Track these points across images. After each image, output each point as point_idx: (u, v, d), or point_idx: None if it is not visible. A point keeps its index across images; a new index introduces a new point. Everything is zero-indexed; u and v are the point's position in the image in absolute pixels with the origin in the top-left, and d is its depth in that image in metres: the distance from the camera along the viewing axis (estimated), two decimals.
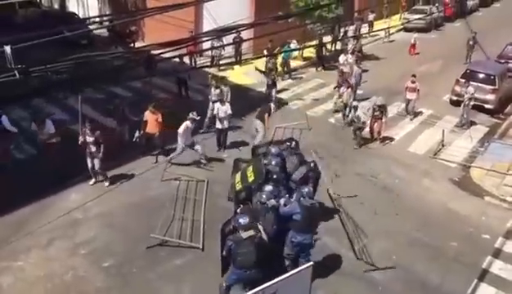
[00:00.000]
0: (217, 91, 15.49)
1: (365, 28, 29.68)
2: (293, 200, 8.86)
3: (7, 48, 4.15)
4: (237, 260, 7.67)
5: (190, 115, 13.08)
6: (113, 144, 12.72)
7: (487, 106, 18.61)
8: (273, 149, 10.36)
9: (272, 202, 8.70)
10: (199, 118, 13.46)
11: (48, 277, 9.20)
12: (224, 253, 7.89)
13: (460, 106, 17.90)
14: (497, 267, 10.28)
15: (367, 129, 15.67)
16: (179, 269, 9.49)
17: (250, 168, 9.97)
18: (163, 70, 16.50)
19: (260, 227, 8.05)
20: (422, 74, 22.96)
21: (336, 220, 11.30)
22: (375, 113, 15.45)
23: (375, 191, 12.92)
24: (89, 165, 12.13)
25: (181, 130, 12.81)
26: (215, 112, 14.27)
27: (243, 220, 7.77)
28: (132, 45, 23.88)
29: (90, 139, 11.87)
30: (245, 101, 17.23)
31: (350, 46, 23.06)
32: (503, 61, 21.96)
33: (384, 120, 15.49)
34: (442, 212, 12.14)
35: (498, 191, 13.22)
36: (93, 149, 11.90)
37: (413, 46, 27.21)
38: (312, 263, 5.55)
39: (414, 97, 17.44)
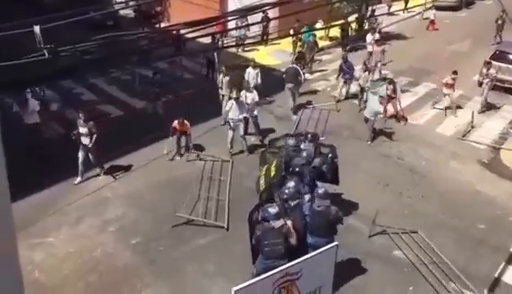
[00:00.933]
0: (227, 78, 15.05)
1: (395, 7, 28.98)
2: (306, 201, 8.68)
3: (37, 28, 4.21)
4: (265, 250, 7.54)
5: (234, 94, 13.50)
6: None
7: None
8: (290, 141, 10.16)
9: (295, 202, 8.40)
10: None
11: (78, 253, 9.48)
12: (253, 242, 7.78)
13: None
14: None
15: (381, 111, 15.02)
16: (203, 249, 9.63)
17: (274, 162, 9.78)
18: (191, 50, 16.59)
19: (289, 221, 7.81)
20: (451, 54, 22.51)
21: (360, 202, 11.24)
22: (387, 92, 14.79)
23: (401, 173, 12.78)
24: (79, 159, 11.41)
25: (227, 107, 13.10)
26: (242, 99, 13.39)
27: (272, 210, 7.61)
28: (157, 26, 23.95)
29: (83, 130, 11.25)
30: (271, 82, 17.11)
31: (378, 25, 22.62)
32: None
33: (396, 97, 15.11)
34: (470, 195, 11.95)
35: None
36: (86, 141, 11.27)
37: (432, 22, 26.77)
38: (336, 243, 5.55)
39: (451, 92, 16.20)
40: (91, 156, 11.53)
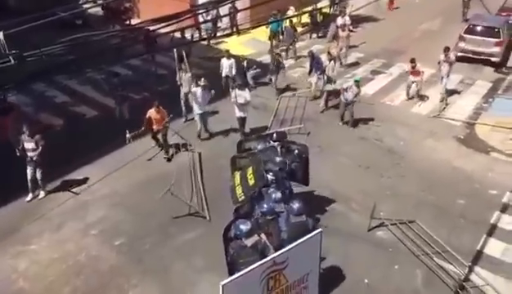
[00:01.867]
0: (188, 75, 14.57)
1: None
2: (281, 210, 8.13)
3: (0, 34, 4.09)
4: (241, 269, 6.70)
5: (202, 82, 13.17)
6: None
7: (493, 59, 18.65)
8: (258, 145, 9.67)
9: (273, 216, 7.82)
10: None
11: (62, 258, 9.35)
12: (229, 259, 7.25)
13: (465, 62, 18.23)
14: (505, 221, 10.36)
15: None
16: (190, 244, 9.60)
17: (250, 169, 8.92)
18: (162, 46, 16.39)
19: (263, 235, 7.28)
20: (422, 33, 22.74)
21: (342, 185, 11.35)
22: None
23: (381, 154, 12.93)
24: (28, 176, 10.85)
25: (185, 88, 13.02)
26: (232, 100, 13.00)
27: (244, 227, 7.07)
28: (127, 22, 23.59)
29: (29, 145, 10.66)
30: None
31: (348, 9, 22.60)
32: (504, 14, 21.61)
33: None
34: (448, 171, 12.16)
35: (504, 146, 13.19)
36: (33, 155, 10.71)
37: (391, 1, 27.12)
38: (320, 229, 5.59)
39: (418, 79, 15.89)
40: (38, 172, 10.90)
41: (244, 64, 16.77)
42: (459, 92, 16.68)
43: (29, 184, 10.98)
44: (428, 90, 16.69)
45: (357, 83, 14.17)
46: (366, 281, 8.80)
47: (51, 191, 11.31)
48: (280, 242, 7.14)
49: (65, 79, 17.27)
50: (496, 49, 18.54)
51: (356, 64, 19.24)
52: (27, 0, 25.05)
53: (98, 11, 24.29)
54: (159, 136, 12.70)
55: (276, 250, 6.83)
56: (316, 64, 15.95)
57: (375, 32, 22.85)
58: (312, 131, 13.89)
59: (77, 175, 11.92)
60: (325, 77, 15.48)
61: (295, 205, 7.79)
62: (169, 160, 12.58)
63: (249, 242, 6.90)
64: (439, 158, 12.74)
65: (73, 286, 8.73)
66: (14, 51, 4.20)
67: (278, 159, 9.15)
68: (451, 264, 8.97)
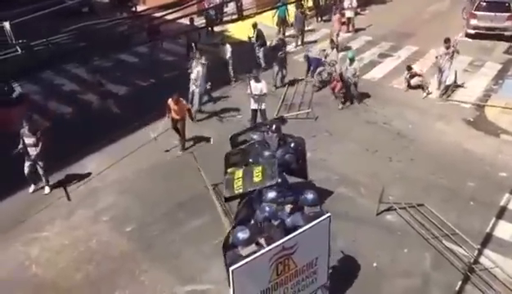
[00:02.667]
0: (228, 47, 15.27)
1: None
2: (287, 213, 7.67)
3: (6, 24, 4.08)
4: None
5: (203, 60, 13.39)
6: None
7: (506, 33, 18.81)
8: (254, 135, 9.31)
9: (278, 221, 7.30)
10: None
11: (73, 244, 9.46)
12: (226, 268, 6.75)
13: (478, 38, 18.38)
14: None
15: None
16: (198, 230, 9.63)
17: (260, 167, 8.40)
18: (169, 33, 16.35)
19: (262, 239, 6.80)
20: (431, 15, 22.46)
21: (351, 170, 11.33)
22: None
23: (389, 137, 12.86)
24: (26, 170, 10.70)
25: (194, 75, 12.89)
26: (248, 91, 12.81)
27: (242, 235, 6.65)
28: (133, 9, 23.53)
29: (29, 140, 10.46)
30: (251, 56, 16.96)
31: None
32: None
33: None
34: (458, 154, 12.08)
35: None
36: (34, 152, 10.52)
37: None
38: (329, 214, 5.59)
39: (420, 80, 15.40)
40: (39, 166, 10.76)
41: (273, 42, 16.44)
42: (468, 74, 16.48)
43: (28, 178, 10.85)
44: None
45: (351, 60, 14.05)
46: (375, 264, 8.81)
47: (61, 178, 11.40)
48: None
49: (73, 67, 17.32)
50: (509, 23, 18.73)
51: (364, 48, 19.07)
52: None
53: None
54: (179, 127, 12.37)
55: None
56: (315, 64, 15.70)
57: (383, 14, 22.62)
58: (320, 115, 13.85)
59: (86, 162, 12.03)
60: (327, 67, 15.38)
61: (309, 196, 7.45)
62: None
63: (245, 251, 6.39)
64: (449, 140, 12.65)
65: (85, 271, 8.84)
66: (21, 41, 4.21)
67: (267, 153, 8.71)
68: (461, 246, 8.94)
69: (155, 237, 9.53)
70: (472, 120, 13.69)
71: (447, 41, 14.65)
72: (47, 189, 11.01)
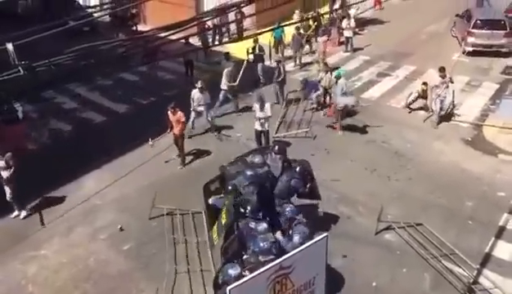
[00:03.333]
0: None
1: None
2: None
3: (9, 46, 4.15)
4: None
5: (199, 84, 13.60)
6: None
7: (503, 50, 19.53)
8: (256, 158, 8.95)
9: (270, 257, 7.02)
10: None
11: (71, 263, 9.43)
12: None
13: (477, 56, 18.96)
14: None
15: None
16: (196, 250, 9.54)
17: (224, 209, 8.23)
18: (168, 53, 16.55)
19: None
20: (429, 35, 22.70)
21: (350, 188, 11.35)
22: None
23: (388, 156, 12.91)
24: (7, 194, 10.51)
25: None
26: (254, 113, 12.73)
27: (233, 272, 6.67)
28: (134, 28, 23.77)
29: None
30: (251, 76, 17.06)
31: (353, 11, 22.58)
32: (510, 15, 21.58)
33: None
34: (456, 173, 12.11)
35: (511, 148, 13.12)
36: (5, 174, 10.28)
37: (378, 1, 26.93)
38: (326, 234, 5.61)
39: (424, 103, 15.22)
40: (8, 191, 10.43)
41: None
42: (466, 93, 16.60)
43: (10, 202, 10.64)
44: None
45: (337, 77, 14.12)
46: (374, 284, 8.79)
47: (61, 195, 11.39)
48: None
49: (74, 86, 17.46)
50: (505, 40, 19.47)
51: (362, 67, 19.23)
52: (35, 7, 25.54)
53: (106, 17, 24.51)
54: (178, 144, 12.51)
55: None
56: (311, 87, 15.64)
57: (381, 34, 22.85)
58: (319, 134, 13.93)
59: (86, 179, 12.04)
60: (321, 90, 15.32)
61: (287, 208, 7.72)
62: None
63: None
64: (447, 160, 12.70)
65: (82, 290, 8.80)
66: (23, 62, 4.27)
67: (249, 173, 8.39)
68: (460, 266, 8.93)
69: (153, 256, 9.49)
70: (470, 140, 13.76)
71: (442, 70, 14.29)
72: (22, 214, 10.73)
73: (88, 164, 12.38)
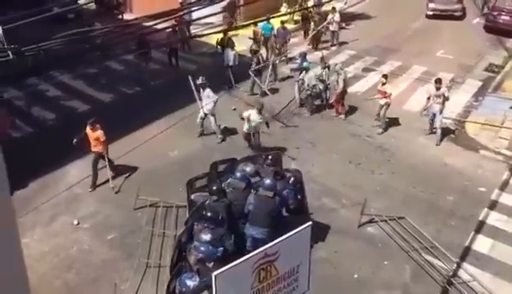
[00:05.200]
0: (234, 51, 15.51)
1: None
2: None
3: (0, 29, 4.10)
4: None
5: (200, 80, 12.92)
6: None
7: (456, 14, 24.01)
8: (248, 168, 8.91)
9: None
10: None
11: (53, 252, 9.38)
12: None
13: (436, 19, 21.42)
14: (493, 218, 10.51)
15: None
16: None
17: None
18: (156, 42, 16.43)
19: None
20: (415, 31, 22.89)
21: (333, 181, 11.46)
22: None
23: (372, 150, 13.04)
24: None
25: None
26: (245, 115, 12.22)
27: (191, 283, 6.56)
28: (120, 17, 23.52)
29: None
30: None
31: (339, 5, 22.57)
32: (495, 13, 22.00)
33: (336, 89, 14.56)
34: (438, 168, 12.30)
35: (493, 144, 13.36)
36: None
37: None
38: (311, 223, 5.67)
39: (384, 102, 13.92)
40: None
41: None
42: (450, 90, 16.78)
43: None
44: (420, 88, 16.81)
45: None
46: (356, 275, 8.92)
47: (44, 184, 11.28)
48: None
49: (59, 74, 17.24)
50: (457, 6, 24.08)
51: (348, 61, 19.28)
52: None
53: (91, 4, 24.19)
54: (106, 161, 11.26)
55: None
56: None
57: (368, 29, 22.93)
58: (304, 127, 14.00)
59: (69, 168, 11.93)
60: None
61: (266, 181, 8.03)
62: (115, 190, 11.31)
63: None
64: (430, 154, 12.88)
65: (64, 279, 8.77)
66: (12, 46, 4.22)
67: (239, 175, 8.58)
68: (440, 259, 9.10)
69: (137, 245, 9.45)
70: (453, 135, 13.94)
71: (438, 81, 13.40)
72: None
73: (72, 153, 12.25)
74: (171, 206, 10.31)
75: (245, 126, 12.24)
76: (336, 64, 14.95)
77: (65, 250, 9.43)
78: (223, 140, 13.23)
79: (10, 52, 4.25)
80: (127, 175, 11.69)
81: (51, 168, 11.71)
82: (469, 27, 23.20)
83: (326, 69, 15.05)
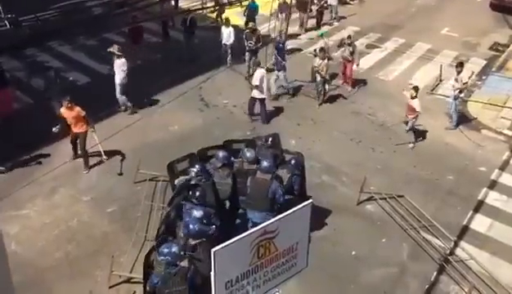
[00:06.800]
0: (229, 29, 15.20)
1: None
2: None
3: None
4: None
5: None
6: None
7: None
8: (248, 153, 8.56)
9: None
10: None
11: (54, 223, 9.43)
12: (150, 290, 6.67)
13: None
14: (492, 198, 10.56)
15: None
16: None
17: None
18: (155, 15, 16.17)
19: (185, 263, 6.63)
20: (419, 8, 22.58)
21: (334, 158, 11.45)
22: (345, 54, 14.53)
23: (373, 128, 13.00)
24: None
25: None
26: (253, 82, 12.50)
27: (167, 250, 6.47)
28: None
29: None
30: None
31: None
32: None
33: (354, 62, 14.52)
34: (439, 147, 12.28)
35: (495, 124, 13.31)
36: None
37: None
38: (311, 200, 5.67)
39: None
40: None
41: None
42: (453, 69, 16.61)
43: None
44: (423, 66, 16.67)
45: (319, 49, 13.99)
46: (354, 253, 8.98)
47: (45, 156, 11.26)
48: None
49: (57, 45, 17.02)
50: None
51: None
52: None
53: None
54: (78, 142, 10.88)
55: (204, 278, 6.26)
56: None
57: (372, 5, 22.61)
58: (306, 104, 13.92)
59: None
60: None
61: (264, 163, 7.91)
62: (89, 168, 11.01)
63: (173, 269, 6.40)
64: (431, 133, 12.83)
65: (64, 250, 8.83)
66: (10, 16, 4.15)
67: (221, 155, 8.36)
68: (438, 238, 9.16)
69: (138, 219, 9.49)
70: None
71: (459, 65, 13.09)
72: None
73: None
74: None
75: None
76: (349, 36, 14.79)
77: (66, 222, 9.47)
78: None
79: (7, 22, 4.18)
80: (127, 148, 11.64)
81: (52, 140, 11.64)
82: (474, 5, 22.80)
83: (326, 61, 13.66)
